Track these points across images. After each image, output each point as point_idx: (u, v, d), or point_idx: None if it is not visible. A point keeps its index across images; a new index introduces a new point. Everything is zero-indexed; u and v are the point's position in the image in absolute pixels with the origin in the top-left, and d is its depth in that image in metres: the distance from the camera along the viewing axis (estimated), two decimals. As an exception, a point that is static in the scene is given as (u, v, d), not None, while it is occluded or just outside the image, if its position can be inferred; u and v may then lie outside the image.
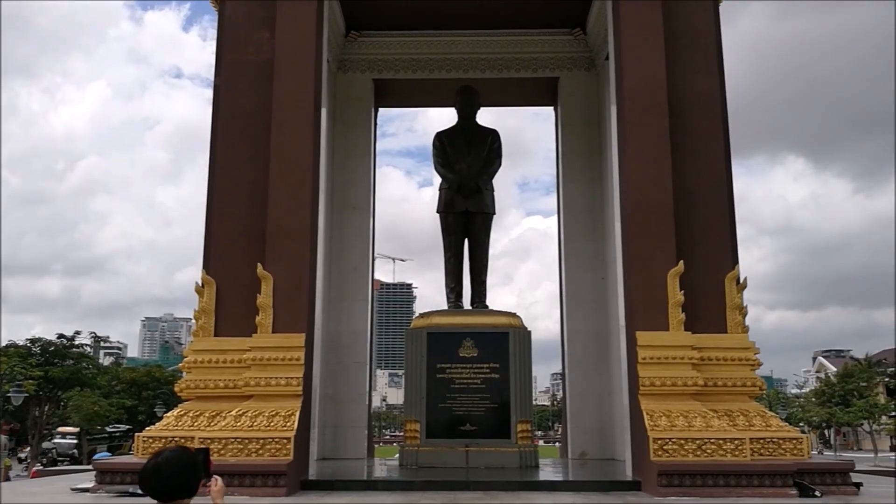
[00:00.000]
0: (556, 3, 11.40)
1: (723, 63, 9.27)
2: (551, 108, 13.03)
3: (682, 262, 7.94)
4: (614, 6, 8.73)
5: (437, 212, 11.18)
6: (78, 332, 33.69)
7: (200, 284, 8.35)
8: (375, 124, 12.76)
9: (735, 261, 8.40)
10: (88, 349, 35.35)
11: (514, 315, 10.08)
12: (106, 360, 48.25)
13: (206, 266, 8.48)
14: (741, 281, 8.20)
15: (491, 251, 11.30)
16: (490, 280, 11.14)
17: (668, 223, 8.03)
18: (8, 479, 21.24)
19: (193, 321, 8.52)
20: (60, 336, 33.24)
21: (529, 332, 9.87)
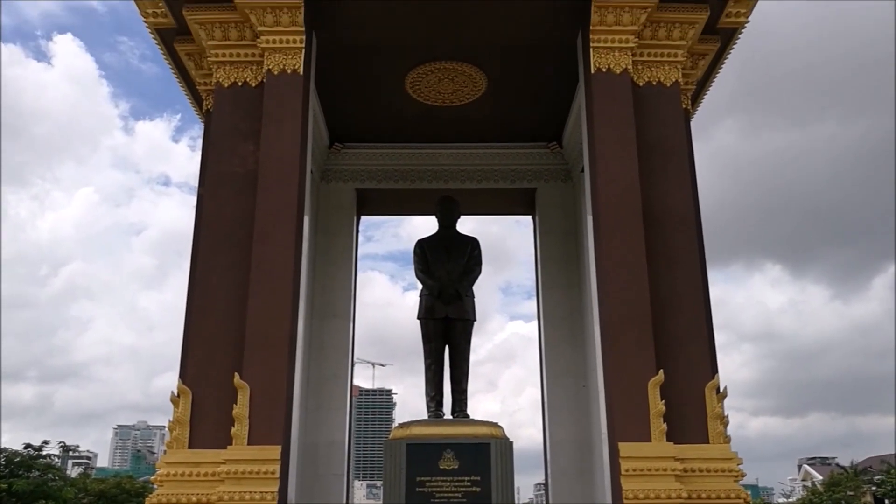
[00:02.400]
0: (533, 118, 11.85)
1: (695, 174, 9.60)
2: (530, 216, 13.29)
3: (661, 371, 7.95)
4: (588, 122, 9.07)
5: (418, 318, 11.18)
6: (46, 442, 32.68)
7: (176, 394, 8.21)
8: (357, 232, 12.92)
9: (714, 370, 8.42)
10: (56, 459, 34.18)
11: (495, 425, 9.93)
12: (74, 471, 46.56)
13: (183, 375, 8.37)
14: (721, 390, 8.20)
15: (475, 356, 11.25)
16: (474, 386, 11.11)
17: (646, 332, 8.08)
18: None
19: (167, 431, 8.33)
20: (27, 446, 32.19)
21: (511, 442, 9.71)
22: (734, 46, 9.95)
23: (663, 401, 7.85)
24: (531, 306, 13.06)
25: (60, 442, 35.57)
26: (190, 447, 7.96)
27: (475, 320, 11.16)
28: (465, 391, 10.84)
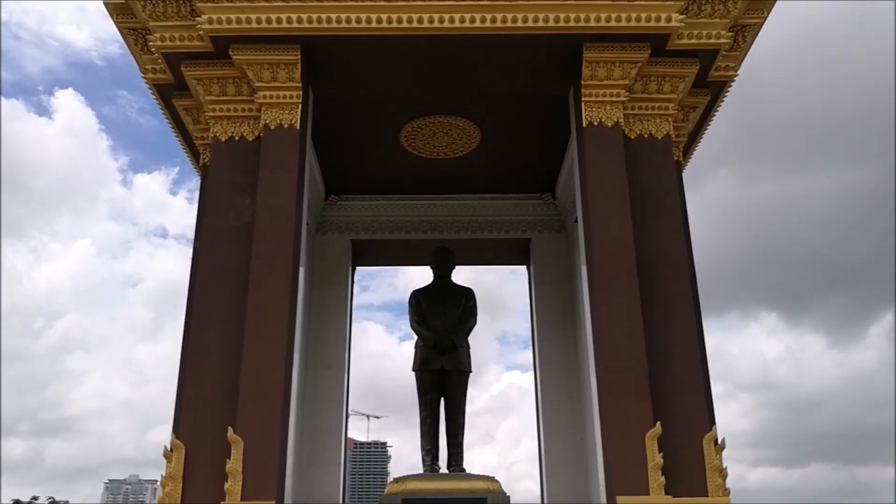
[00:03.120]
0: (527, 169, 11.98)
1: (688, 224, 9.68)
2: (525, 266, 13.33)
3: (658, 423, 7.90)
4: (581, 174, 9.17)
5: (413, 370, 11.14)
6: (35, 498, 32.12)
7: (169, 448, 8.11)
8: (352, 283, 12.94)
9: (712, 421, 8.37)
10: (45, 516, 33.55)
11: (492, 479, 9.82)
12: (63, 528, 45.60)
13: (176, 428, 8.28)
14: (719, 442, 8.13)
15: (471, 408, 11.18)
16: (470, 438, 11.00)
17: (643, 384, 8.05)
18: None
19: (159, 486, 8.20)
20: (17, 502, 31.63)
21: (508, 496, 9.59)
22: (724, 99, 10.12)
23: (661, 453, 7.78)
24: (528, 356, 13.04)
25: (50, 498, 34.96)
26: (182, 503, 7.83)
27: (471, 371, 11.13)
28: (461, 444, 10.75)
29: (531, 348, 12.69)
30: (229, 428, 7.90)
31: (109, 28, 9.50)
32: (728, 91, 9.97)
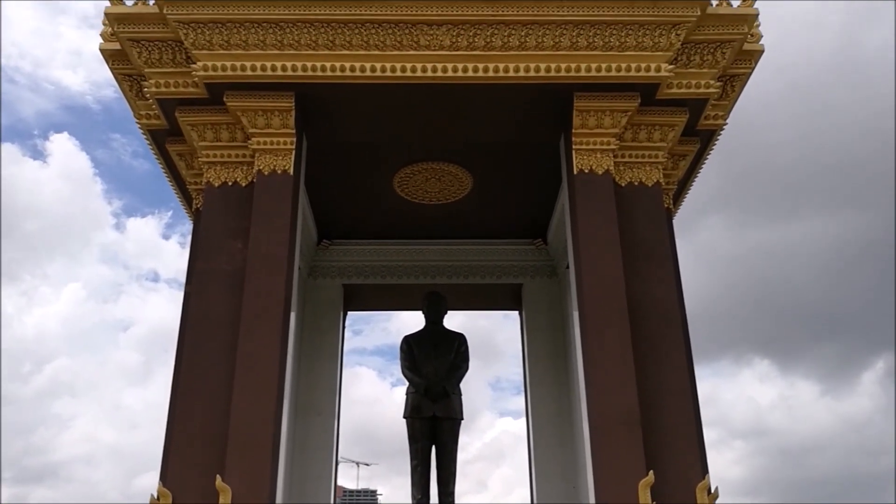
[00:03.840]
0: (518, 215, 12.05)
1: (679, 270, 9.71)
2: (517, 312, 13.31)
3: (651, 471, 7.82)
4: (572, 221, 9.23)
5: (404, 417, 11.04)
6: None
7: (156, 496, 7.97)
8: (344, 328, 12.88)
9: (705, 469, 8.29)
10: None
11: (483, 528, 9.67)
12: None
13: (164, 476, 8.15)
14: (713, 490, 8.05)
15: (464, 456, 11.19)
16: (463, 487, 10.87)
17: (636, 432, 7.99)
18: None
19: (144, 537, 8.04)
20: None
21: (499, 546, 9.43)
22: (713, 147, 10.25)
23: (654, 502, 7.69)
24: (520, 402, 12.93)
25: (31, 546, 34.13)
26: (167, 554, 7.67)
27: (463, 419, 11.04)
28: (452, 493, 10.60)
29: (524, 394, 12.62)
30: (217, 476, 7.79)
31: (105, 72, 9.62)
32: (717, 139, 10.11)
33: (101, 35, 9.46)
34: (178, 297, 9.60)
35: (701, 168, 10.62)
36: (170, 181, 10.63)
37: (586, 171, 9.09)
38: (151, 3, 8.86)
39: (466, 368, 11.25)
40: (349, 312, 13.15)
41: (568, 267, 10.07)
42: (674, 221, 10.61)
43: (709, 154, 10.36)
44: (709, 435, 9.14)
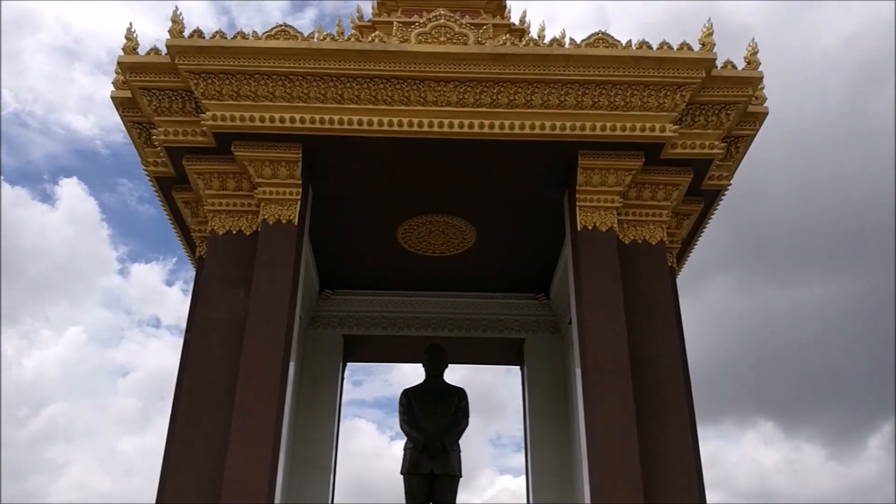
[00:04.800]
0: (521, 269, 12.04)
1: (682, 330, 9.64)
2: (518, 367, 13.20)
3: (653, 537, 7.64)
4: (575, 277, 9.19)
5: (401, 473, 10.86)
6: None
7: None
8: (343, 380, 12.76)
9: (708, 535, 8.11)
10: None
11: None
12: None
13: (155, 529, 7.99)
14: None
15: (461, 517, 10.82)
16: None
17: (637, 495, 7.83)
18: None
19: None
20: None
21: None
22: (718, 207, 10.27)
23: (656, 569, 7.50)
24: (521, 459, 12.71)
25: None
26: None
27: (461, 476, 10.85)
28: (448, 553, 10.36)
29: (524, 452, 12.43)
30: (209, 531, 7.62)
31: (114, 117, 9.74)
32: (722, 200, 10.13)
33: (112, 83, 9.59)
34: (179, 343, 9.55)
35: (705, 228, 10.63)
36: (174, 228, 10.66)
37: (590, 227, 9.09)
38: (163, 53, 8.99)
39: (466, 424, 11.10)
40: (349, 363, 13.05)
41: (570, 323, 10.00)
42: (679, 280, 10.60)
43: (713, 214, 10.38)
44: (711, 498, 8.97)
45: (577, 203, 9.16)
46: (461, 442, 11.02)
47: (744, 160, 9.98)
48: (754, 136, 9.71)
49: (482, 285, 12.46)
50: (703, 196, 9.94)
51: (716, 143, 9.19)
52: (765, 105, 9.67)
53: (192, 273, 10.44)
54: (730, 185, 9.94)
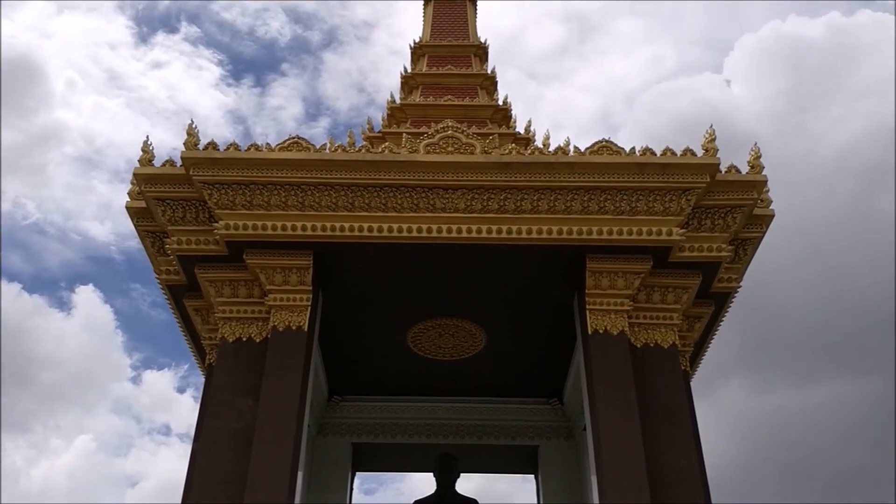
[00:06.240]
0: (533, 373, 11.89)
1: (699, 435, 9.42)
2: (533, 475, 12.85)
3: None
4: (588, 382, 9.08)
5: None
6: None
7: None
8: (351, 490, 12.43)
9: None
10: None
11: None
12: None
13: None
14: None
15: None
16: None
17: None
18: None
19: None
20: None
21: None
22: (728, 310, 10.23)
23: None
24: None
25: None
26: None
27: (475, 591, 10.42)
28: None
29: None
30: None
31: (130, 223, 9.89)
32: (732, 302, 10.11)
33: (128, 194, 9.83)
34: (188, 452, 9.39)
35: (717, 330, 10.56)
36: (185, 336, 10.67)
37: (601, 331, 9.05)
38: (178, 164, 9.23)
39: (479, 536, 10.74)
40: (357, 473, 12.74)
41: (585, 429, 9.80)
42: (693, 383, 10.44)
43: (724, 316, 10.33)
44: None
45: (587, 306, 9.16)
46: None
47: (753, 262, 10.01)
48: (761, 238, 9.78)
49: (494, 390, 12.28)
50: (714, 298, 9.91)
51: (723, 245, 9.24)
52: (771, 207, 9.78)
53: (202, 380, 10.38)
54: (739, 287, 9.93)
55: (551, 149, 9.51)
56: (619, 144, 9.15)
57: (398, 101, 12.90)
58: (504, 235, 8.96)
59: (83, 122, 44.49)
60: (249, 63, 52.57)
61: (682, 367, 9.57)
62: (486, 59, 14.12)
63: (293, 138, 9.23)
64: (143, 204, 9.58)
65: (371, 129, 12.18)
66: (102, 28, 47.46)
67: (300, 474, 9.13)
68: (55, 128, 43.23)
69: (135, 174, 9.39)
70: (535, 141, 11.82)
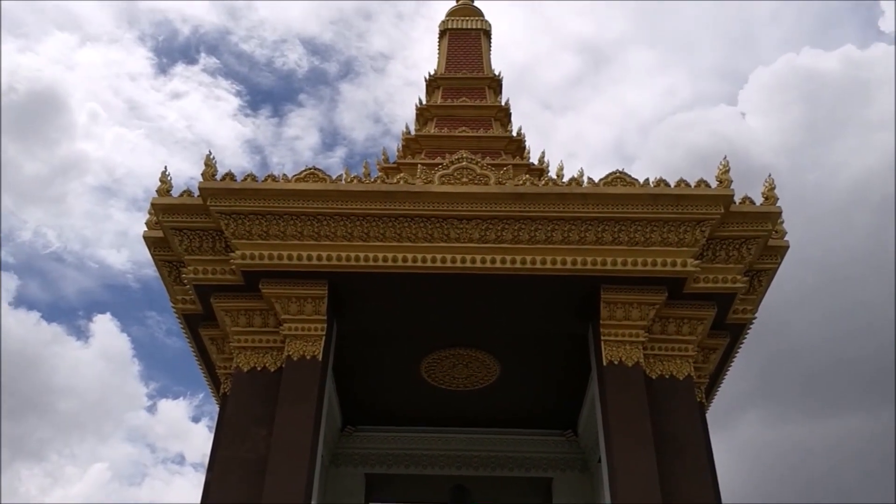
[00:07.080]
0: (547, 404, 11.82)
1: (714, 466, 9.32)
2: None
3: None
4: (603, 414, 9.01)
5: None
6: None
7: None
8: (364, 521, 12.33)
9: None
10: None
11: None
12: None
13: None
14: None
15: None
16: None
17: None
18: None
19: None
20: None
21: None
22: (744, 341, 10.16)
23: None
24: None
25: None
26: None
27: None
28: None
29: None
30: None
31: (146, 251, 9.96)
32: (747, 333, 10.04)
33: (146, 223, 9.92)
34: (202, 481, 9.36)
35: (732, 361, 10.49)
36: (200, 365, 10.70)
37: (616, 362, 9.00)
38: (196, 194, 9.33)
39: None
40: (371, 503, 12.65)
41: (600, 461, 9.72)
42: (710, 415, 10.34)
43: (739, 347, 10.26)
44: None
45: (602, 337, 9.12)
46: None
47: (769, 293, 9.96)
48: (776, 269, 9.74)
49: (508, 421, 12.21)
50: (729, 329, 9.85)
51: (738, 276, 9.21)
52: (785, 239, 9.75)
53: (217, 409, 10.37)
54: (755, 318, 9.88)
55: (565, 179, 9.54)
56: (634, 175, 9.18)
57: (413, 132, 13.02)
58: (518, 266, 8.97)
59: (104, 152, 45.08)
60: (267, 94, 53.19)
61: (698, 399, 9.50)
62: (500, 91, 14.25)
63: (309, 169, 9.31)
64: (160, 233, 9.67)
65: (386, 160, 12.28)
66: (123, 59, 48.22)
67: (313, 505, 9.09)
68: (77, 159, 43.83)
69: (152, 204, 9.50)
70: (549, 171, 11.87)
